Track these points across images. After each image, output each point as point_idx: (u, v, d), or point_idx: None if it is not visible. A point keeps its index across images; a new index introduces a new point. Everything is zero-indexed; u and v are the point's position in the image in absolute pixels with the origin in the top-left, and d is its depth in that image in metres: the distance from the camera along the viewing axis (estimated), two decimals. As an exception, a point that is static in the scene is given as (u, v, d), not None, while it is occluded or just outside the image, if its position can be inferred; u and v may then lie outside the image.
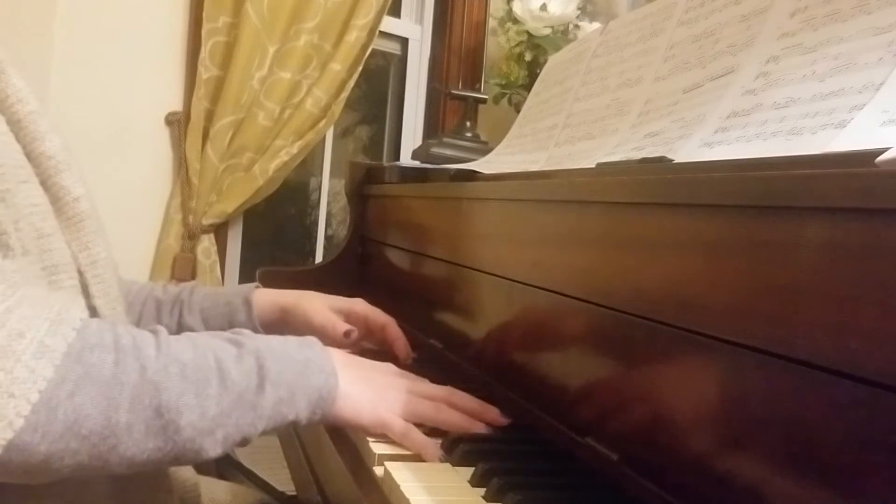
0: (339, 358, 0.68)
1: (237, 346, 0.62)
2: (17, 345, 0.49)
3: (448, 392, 0.73)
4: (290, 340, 0.67)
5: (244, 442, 0.60)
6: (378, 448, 0.66)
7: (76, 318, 0.53)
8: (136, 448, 0.53)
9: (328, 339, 0.87)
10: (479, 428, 0.71)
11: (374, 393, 0.69)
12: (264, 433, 0.61)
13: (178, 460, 0.57)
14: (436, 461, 0.65)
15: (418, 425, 0.68)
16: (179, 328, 0.90)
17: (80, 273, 0.63)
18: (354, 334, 0.92)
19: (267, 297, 0.94)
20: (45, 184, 0.62)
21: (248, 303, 0.92)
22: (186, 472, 0.76)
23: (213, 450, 0.57)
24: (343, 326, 0.92)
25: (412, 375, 0.76)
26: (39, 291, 0.55)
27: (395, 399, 0.69)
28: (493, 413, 0.73)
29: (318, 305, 0.94)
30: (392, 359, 0.88)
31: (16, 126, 0.60)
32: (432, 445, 0.66)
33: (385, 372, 0.74)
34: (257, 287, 0.96)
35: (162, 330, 0.60)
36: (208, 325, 0.91)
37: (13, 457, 0.48)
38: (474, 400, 0.74)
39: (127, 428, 0.52)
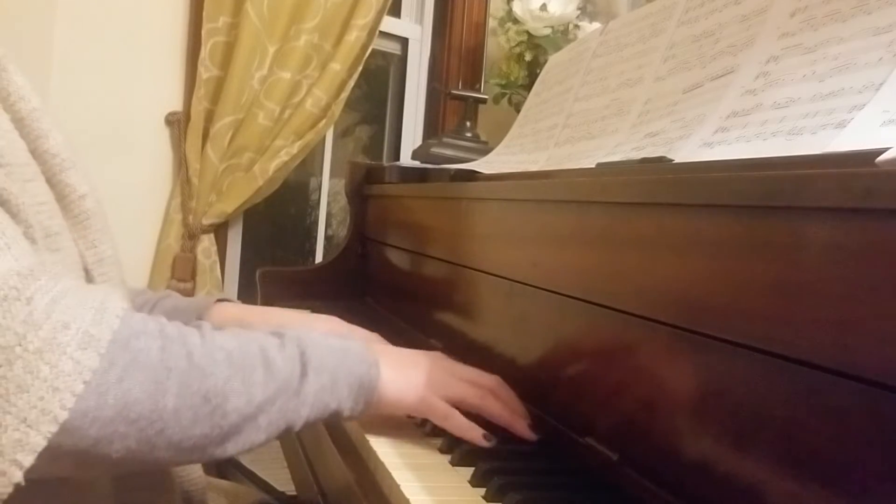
0: (380, 348, 0.69)
1: (278, 336, 0.63)
2: (62, 336, 0.48)
3: (495, 381, 0.74)
4: (328, 334, 0.68)
5: (287, 431, 0.60)
6: (379, 448, 0.66)
7: (119, 306, 0.53)
8: (182, 434, 0.53)
9: None
10: (522, 426, 0.70)
11: (418, 375, 0.69)
12: (307, 424, 0.61)
13: (223, 448, 0.56)
14: (483, 443, 0.66)
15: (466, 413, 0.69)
16: None
17: (87, 271, 0.63)
18: None
19: (226, 319, 0.84)
20: (51, 181, 0.61)
21: None
22: (195, 473, 0.76)
23: (257, 436, 0.58)
24: None
25: (460, 363, 0.76)
26: (81, 282, 0.55)
27: (439, 381, 0.70)
28: (525, 422, 0.71)
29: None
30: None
31: (19, 124, 0.60)
32: (475, 428, 0.67)
33: (430, 355, 0.74)
34: (218, 302, 0.87)
35: (205, 323, 0.61)
36: None
37: (63, 441, 0.48)
38: (516, 399, 0.73)
39: (174, 413, 0.52)
